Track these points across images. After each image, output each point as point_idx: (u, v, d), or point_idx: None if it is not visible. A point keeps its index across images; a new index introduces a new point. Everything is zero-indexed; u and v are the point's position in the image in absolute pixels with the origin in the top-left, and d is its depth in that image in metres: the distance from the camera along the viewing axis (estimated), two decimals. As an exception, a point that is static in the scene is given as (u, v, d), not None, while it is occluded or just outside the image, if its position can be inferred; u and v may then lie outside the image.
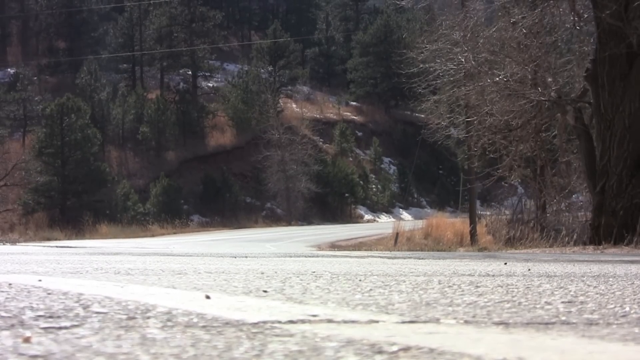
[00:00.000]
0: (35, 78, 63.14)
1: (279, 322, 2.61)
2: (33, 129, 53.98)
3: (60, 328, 2.44)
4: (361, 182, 61.66)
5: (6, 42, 72.83)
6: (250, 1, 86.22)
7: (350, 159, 65.70)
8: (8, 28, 74.02)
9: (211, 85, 67.80)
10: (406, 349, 2.06)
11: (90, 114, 50.88)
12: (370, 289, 4.30)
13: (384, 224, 45.40)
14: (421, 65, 23.92)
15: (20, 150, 51.75)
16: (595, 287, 4.74)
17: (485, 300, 3.66)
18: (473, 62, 21.58)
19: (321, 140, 65.40)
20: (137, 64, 65.33)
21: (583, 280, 5.40)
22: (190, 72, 65.04)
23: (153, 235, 43.25)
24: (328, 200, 59.90)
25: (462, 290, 4.27)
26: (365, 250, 20.67)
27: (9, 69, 64.91)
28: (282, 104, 66.15)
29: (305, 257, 11.33)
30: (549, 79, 21.44)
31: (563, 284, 5.01)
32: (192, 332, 2.35)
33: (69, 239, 39.38)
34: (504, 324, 2.71)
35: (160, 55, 63.33)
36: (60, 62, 65.80)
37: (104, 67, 62.03)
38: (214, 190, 55.34)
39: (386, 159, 69.16)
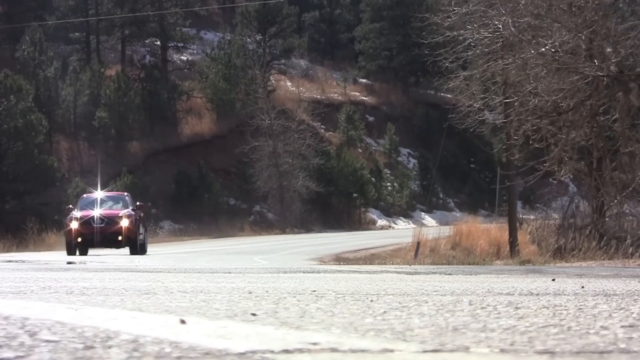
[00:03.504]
0: (-35, 51, 63.19)
1: (271, 351, 2.64)
2: (-38, 114, 54.03)
3: None
4: (373, 179, 61.68)
5: None
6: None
7: (360, 151, 65.74)
8: None
9: (185, 58, 67.79)
10: (428, 383, 2.09)
11: (34, 96, 50.86)
12: (384, 312, 4.33)
13: (402, 231, 45.44)
14: (448, 33, 23.91)
15: (-54, 141, 51.77)
16: (663, 308, 4.77)
17: (527, 324, 3.69)
18: (513, 29, 21.57)
19: (323, 127, 65.43)
20: (92, 33, 65.32)
21: (649, 300, 5.42)
22: (158, 43, 65.03)
23: (113, 247, 43.20)
24: (332, 202, 59.90)
25: (499, 313, 4.30)
26: (378, 264, 20.69)
27: None
28: (273, 81, 66.14)
29: (304, 272, 11.36)
30: (608, 50, 21.44)
31: (624, 304, 5.04)
32: (164, 364, 2.38)
33: (8, 251, 39.38)
34: (549, 352, 2.74)
35: (121, 21, 63.33)
36: (-4, 30, 65.85)
37: (51, 36, 61.97)
38: (189, 190, 55.37)
39: (404, 151, 69.19)
